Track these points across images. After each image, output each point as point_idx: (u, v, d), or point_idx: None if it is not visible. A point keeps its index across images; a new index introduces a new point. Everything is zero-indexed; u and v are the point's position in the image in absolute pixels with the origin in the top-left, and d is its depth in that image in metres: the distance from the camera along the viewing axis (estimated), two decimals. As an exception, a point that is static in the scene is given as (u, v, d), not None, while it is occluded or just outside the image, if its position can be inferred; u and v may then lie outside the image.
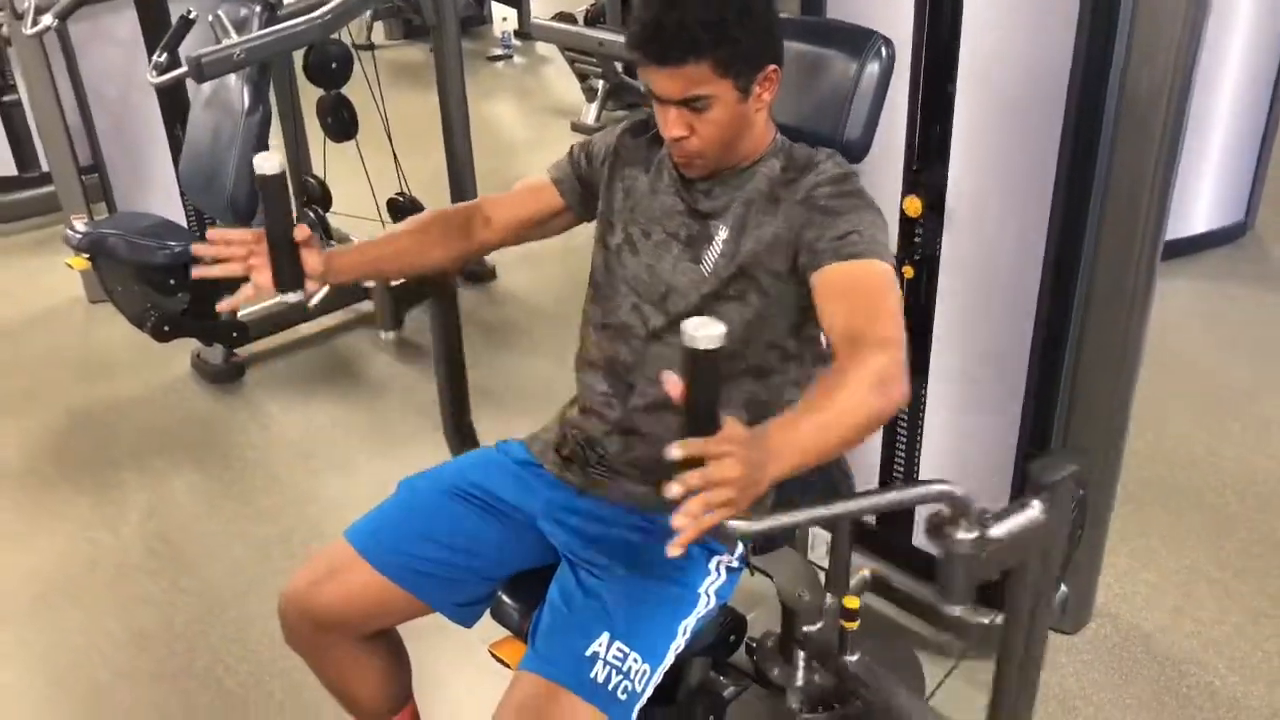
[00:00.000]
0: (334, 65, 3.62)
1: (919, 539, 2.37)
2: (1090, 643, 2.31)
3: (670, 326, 1.55)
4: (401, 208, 3.92)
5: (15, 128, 4.79)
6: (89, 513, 2.88)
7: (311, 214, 4.09)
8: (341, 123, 3.72)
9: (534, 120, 6.58)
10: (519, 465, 1.70)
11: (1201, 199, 4.14)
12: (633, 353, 1.60)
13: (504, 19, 7.75)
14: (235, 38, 2.97)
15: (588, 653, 1.40)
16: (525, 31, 6.61)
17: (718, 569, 1.58)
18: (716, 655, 1.82)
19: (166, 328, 3.25)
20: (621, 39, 4.28)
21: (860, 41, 1.66)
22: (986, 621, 2.20)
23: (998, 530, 1.13)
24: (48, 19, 3.42)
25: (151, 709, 2.24)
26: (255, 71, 3.13)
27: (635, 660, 1.41)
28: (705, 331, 1.00)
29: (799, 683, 2.16)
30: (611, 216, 1.66)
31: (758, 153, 1.56)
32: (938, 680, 2.22)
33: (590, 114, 5.93)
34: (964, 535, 1.12)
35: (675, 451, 1.05)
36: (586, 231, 1.74)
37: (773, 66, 1.49)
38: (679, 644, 1.49)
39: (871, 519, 2.42)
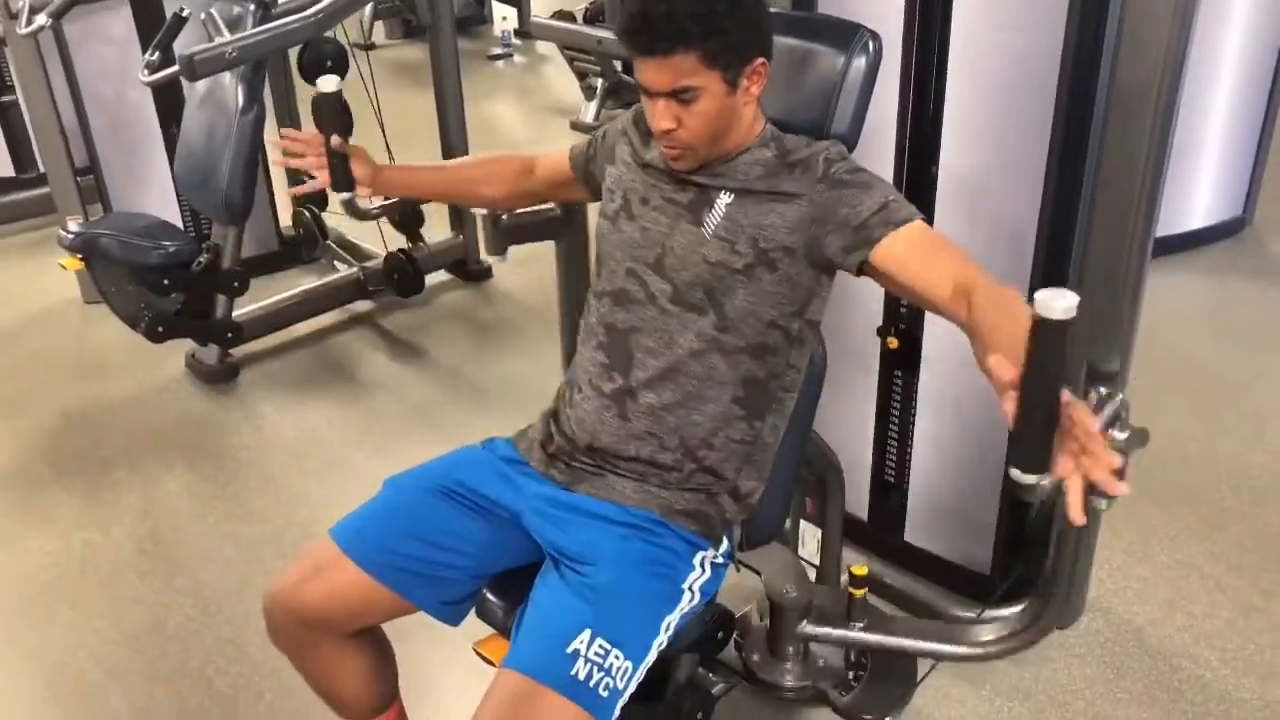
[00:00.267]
0: (329, 64, 3.61)
1: (911, 534, 2.37)
2: (1083, 637, 2.30)
3: (671, 294, 1.56)
4: (397, 207, 3.92)
5: (12, 128, 4.78)
6: (81, 513, 2.88)
7: (307, 213, 4.10)
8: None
9: (533, 119, 6.58)
10: (505, 462, 1.70)
11: (1200, 194, 4.13)
12: (630, 319, 1.60)
13: (504, 18, 7.76)
14: (228, 36, 2.97)
15: (569, 650, 1.39)
16: (525, 30, 6.62)
17: (702, 565, 1.57)
18: (704, 652, 1.82)
19: (160, 328, 3.25)
20: (618, 37, 4.29)
21: (847, 36, 1.66)
22: (975, 616, 2.20)
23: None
24: (42, 18, 3.43)
25: (142, 709, 2.24)
26: (249, 70, 3.12)
27: (617, 657, 1.41)
28: (1061, 302, 0.97)
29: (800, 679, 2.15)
30: (613, 185, 1.69)
31: (745, 144, 1.57)
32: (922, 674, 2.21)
33: (589, 112, 5.92)
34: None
35: (344, 195, 1.18)
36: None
37: (761, 60, 1.51)
38: (662, 640, 1.48)
39: (863, 514, 2.42)
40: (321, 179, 1.87)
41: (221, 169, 3.16)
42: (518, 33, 7.72)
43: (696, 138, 1.51)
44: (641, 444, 1.59)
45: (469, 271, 4.19)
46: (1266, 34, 3.90)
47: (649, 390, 1.58)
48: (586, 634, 1.41)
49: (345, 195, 1.91)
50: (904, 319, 2.19)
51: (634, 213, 1.63)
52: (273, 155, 1.86)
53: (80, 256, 3.08)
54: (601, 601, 1.45)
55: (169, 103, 3.71)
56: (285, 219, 4.26)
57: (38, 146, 4.10)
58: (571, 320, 2.10)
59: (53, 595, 2.58)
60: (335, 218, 4.16)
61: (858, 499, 2.40)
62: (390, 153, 3.89)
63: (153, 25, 3.44)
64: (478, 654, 1.66)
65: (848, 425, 2.34)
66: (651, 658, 1.47)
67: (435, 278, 4.11)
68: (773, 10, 1.76)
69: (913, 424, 2.27)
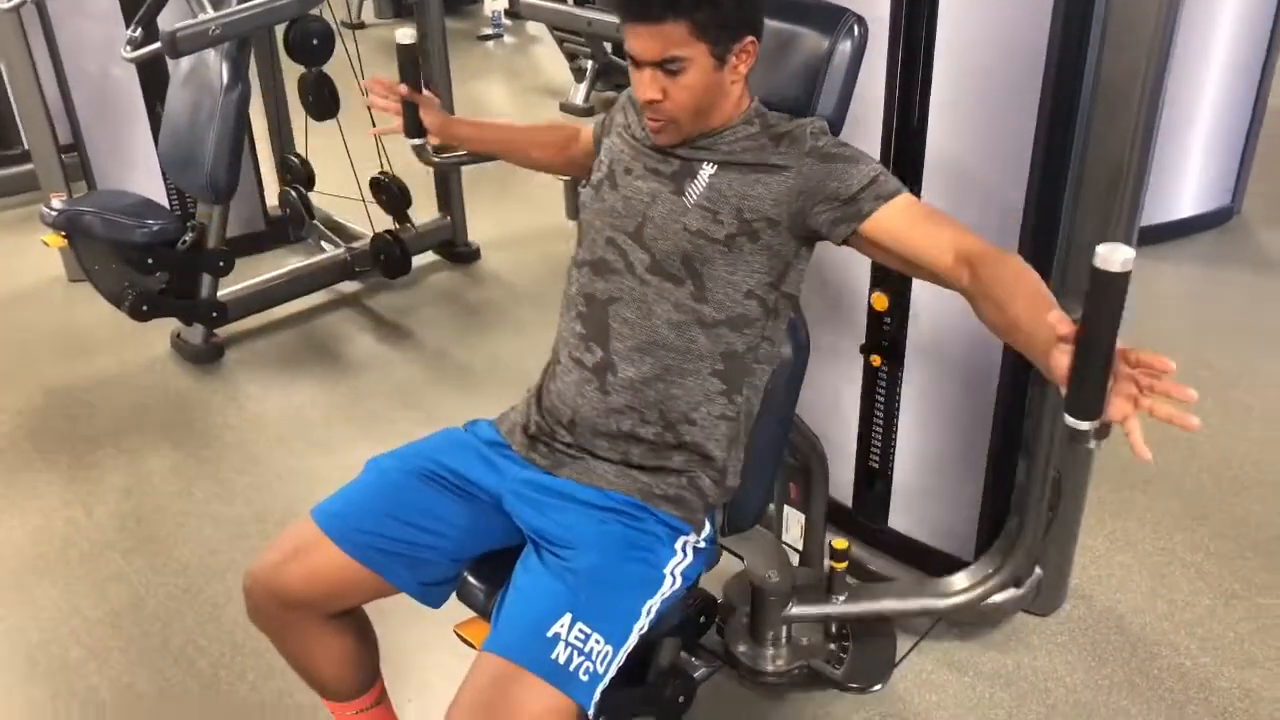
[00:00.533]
0: (315, 42, 3.58)
1: (894, 519, 2.37)
2: (1064, 624, 2.31)
3: (649, 264, 1.57)
4: (384, 187, 3.90)
5: (-5, 104, 4.75)
6: (64, 491, 2.87)
7: (294, 193, 4.07)
8: (322, 101, 3.68)
9: (522, 100, 6.55)
10: (486, 445, 1.69)
11: (1188, 183, 4.14)
12: (609, 289, 1.60)
13: (494, -3, 7.73)
14: (211, 12, 2.94)
15: (549, 634, 1.39)
16: (515, 11, 6.59)
17: (684, 549, 1.57)
18: (686, 636, 1.82)
19: (145, 307, 3.24)
20: (610, 19, 4.27)
21: (833, 19, 1.66)
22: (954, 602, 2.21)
23: None
24: (24, -7, 3.40)
25: (124, 687, 2.24)
26: (234, 48, 3.10)
27: (597, 641, 1.41)
28: (1120, 255, 1.02)
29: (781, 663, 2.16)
30: (603, 156, 1.70)
31: (730, 120, 1.58)
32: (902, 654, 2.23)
33: (579, 94, 5.90)
34: None
35: (416, 140, 1.28)
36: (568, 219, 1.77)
37: (750, 38, 1.51)
38: (643, 625, 1.48)
39: (847, 499, 2.43)
40: (396, 124, 2.05)
41: (206, 147, 3.14)
42: (508, 13, 7.69)
43: (681, 110, 1.51)
44: (622, 418, 1.58)
45: (456, 253, 4.18)
46: (1256, 22, 3.90)
47: (628, 364, 1.58)
48: (567, 618, 1.41)
49: (416, 141, 2.08)
50: (887, 309, 2.19)
51: (617, 182, 1.64)
52: (370, 100, 2.04)
53: (64, 234, 3.06)
54: (582, 586, 1.45)
55: (154, 80, 3.69)
56: (272, 198, 4.23)
57: (21, 123, 4.07)
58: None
59: (35, 573, 2.57)
60: (322, 198, 4.14)
61: (842, 484, 2.40)
62: (378, 137, 3.87)
63: (136, 1, 3.40)
64: (459, 636, 1.66)
65: (832, 410, 2.34)
66: (632, 642, 1.47)
67: (422, 259, 4.10)
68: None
69: (897, 409, 2.27)
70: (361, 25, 7.69)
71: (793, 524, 2.25)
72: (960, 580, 2.21)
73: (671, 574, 1.54)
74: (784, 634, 2.16)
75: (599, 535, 1.53)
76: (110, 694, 2.23)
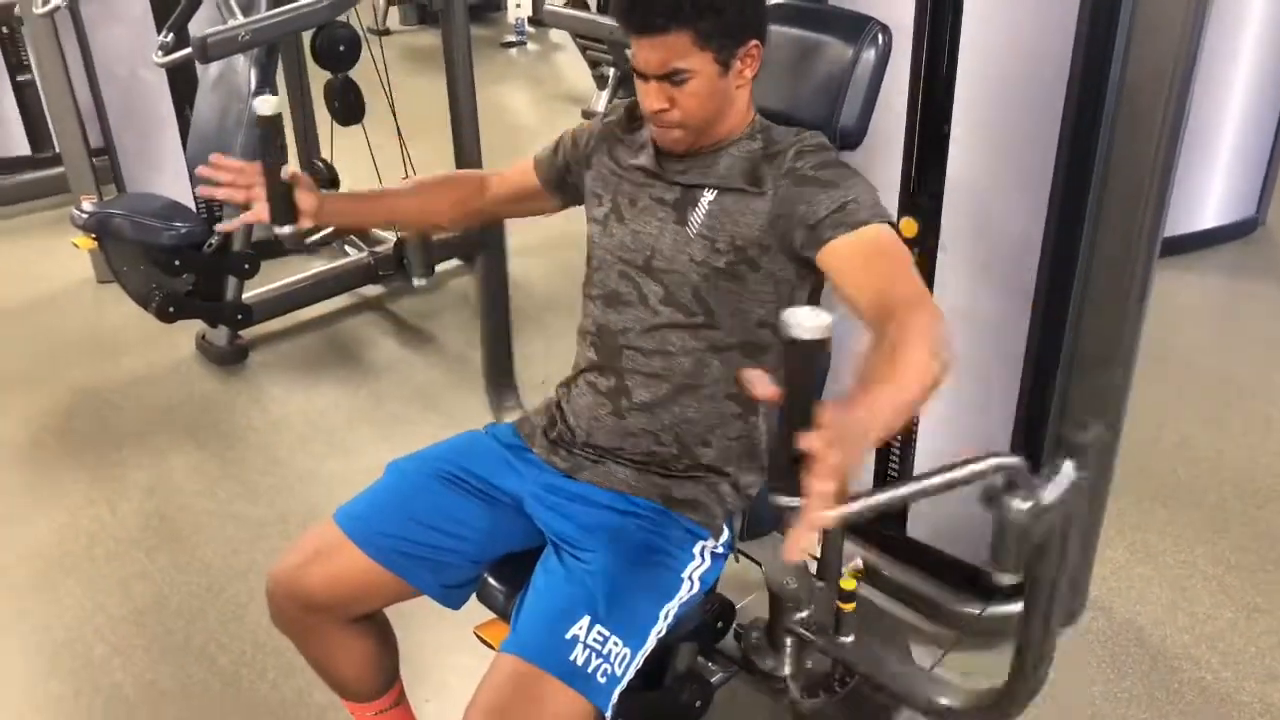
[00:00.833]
0: (341, 48, 3.61)
1: (913, 528, 2.37)
2: (1083, 636, 2.30)
3: (663, 296, 1.56)
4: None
5: (28, 108, 4.82)
6: (90, 489, 2.90)
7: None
8: (348, 106, 3.71)
9: (545, 107, 6.58)
10: (507, 448, 1.70)
11: (1213, 194, 4.12)
12: (623, 320, 1.61)
13: (517, 5, 7.77)
14: (241, 19, 2.97)
15: (568, 635, 1.40)
16: (538, 18, 6.62)
17: (702, 554, 1.58)
18: (704, 641, 1.82)
19: (171, 308, 3.27)
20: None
21: (856, 27, 1.66)
22: (977, 612, 2.20)
23: (1049, 495, 1.10)
24: (58, -2, 3.45)
25: (146, 684, 2.26)
26: (262, 53, 3.14)
27: (616, 644, 1.41)
28: (812, 322, 0.97)
29: (788, 670, 2.15)
30: (599, 189, 1.67)
31: (736, 133, 1.57)
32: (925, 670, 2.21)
33: (601, 101, 5.91)
34: (1020, 504, 1.08)
35: (284, 230, 1.12)
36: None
37: (755, 42, 1.50)
38: (661, 629, 1.49)
39: (866, 509, 2.42)
40: (259, 210, 1.65)
41: (233, 152, 3.17)
42: (531, 20, 7.73)
43: (689, 117, 1.50)
44: (638, 440, 1.60)
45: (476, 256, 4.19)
46: (1282, 34, 3.88)
47: (643, 389, 1.59)
48: (586, 620, 1.41)
49: (287, 229, 1.66)
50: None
51: (624, 215, 1.62)
52: (199, 190, 1.68)
53: (93, 236, 3.10)
54: (601, 588, 1.46)
55: (183, 84, 3.73)
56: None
57: (53, 126, 4.12)
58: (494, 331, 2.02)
59: (61, 570, 2.60)
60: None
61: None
62: (402, 139, 3.91)
63: (168, 6, 3.44)
64: (478, 638, 1.67)
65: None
66: (650, 645, 1.47)
67: (445, 264, 4.12)
68: (783, 1, 1.77)
69: (916, 424, 2.27)
70: (387, 32, 7.74)
71: (811, 531, 2.25)
72: (957, 696, 1.97)
73: (690, 578, 1.55)
74: (796, 645, 2.15)
75: (618, 538, 1.53)
76: (133, 690, 2.25)
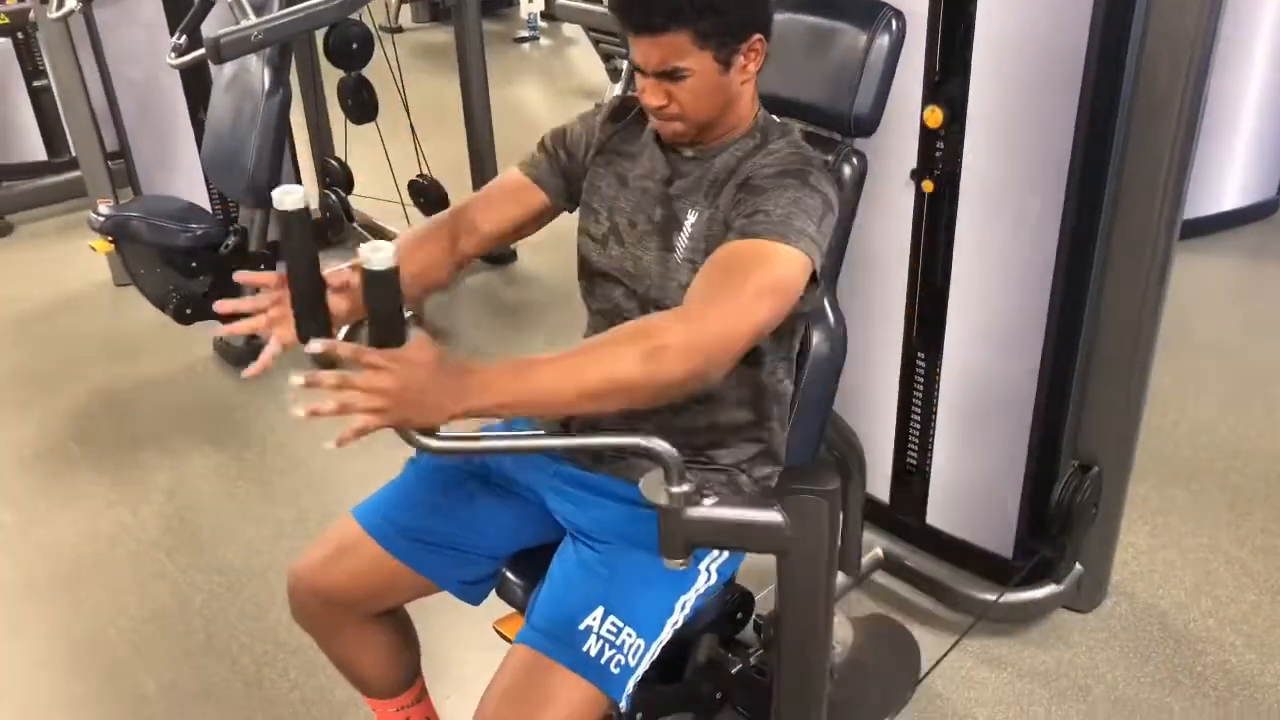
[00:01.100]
0: (354, 46, 3.62)
1: (932, 516, 2.36)
2: (1105, 621, 2.29)
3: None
4: (422, 190, 3.93)
5: (44, 113, 4.84)
6: (110, 491, 2.92)
7: (333, 195, 4.12)
8: (362, 104, 3.72)
9: (558, 102, 6.57)
10: (524, 442, 1.70)
11: (1232, 176, 4.08)
12: None
13: (530, 0, 7.76)
14: (254, 19, 2.98)
15: (581, 626, 1.40)
16: (551, 13, 6.61)
17: (720, 545, 1.57)
18: (723, 632, 1.82)
19: (188, 310, 3.28)
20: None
21: (870, 13, 1.63)
22: (993, 599, 2.19)
23: (700, 511, 1.22)
24: (72, 2, 3.45)
25: (168, 685, 2.27)
26: (275, 53, 3.14)
27: (629, 635, 1.41)
28: (379, 255, 1.10)
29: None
30: (595, 203, 1.61)
31: (741, 127, 1.52)
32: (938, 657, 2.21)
33: (614, 95, 5.90)
34: (664, 499, 1.21)
35: (315, 346, 1.19)
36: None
37: (758, 36, 1.45)
38: (677, 620, 1.49)
39: (884, 496, 2.42)
40: (282, 334, 1.44)
41: (248, 152, 3.18)
42: (544, 15, 7.72)
43: (690, 111, 1.46)
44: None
45: (493, 254, 4.20)
46: (1302, 13, 3.84)
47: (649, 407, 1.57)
48: (599, 611, 1.41)
49: (317, 346, 1.23)
50: (925, 303, 2.17)
51: (624, 239, 1.58)
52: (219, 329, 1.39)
53: (110, 239, 3.12)
54: (616, 579, 1.45)
55: (197, 86, 3.74)
56: (311, 201, 4.27)
57: (69, 131, 4.14)
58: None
59: (82, 572, 2.62)
60: (361, 201, 4.18)
61: (879, 481, 2.39)
62: (416, 136, 3.91)
63: (181, 8, 3.45)
64: (498, 632, 1.68)
65: (869, 406, 2.34)
66: (665, 636, 1.47)
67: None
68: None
69: (935, 405, 2.26)
70: (399, 29, 7.75)
71: (830, 521, 2.24)
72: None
73: (707, 570, 1.54)
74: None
75: (634, 530, 1.52)
76: (155, 691, 2.26)
